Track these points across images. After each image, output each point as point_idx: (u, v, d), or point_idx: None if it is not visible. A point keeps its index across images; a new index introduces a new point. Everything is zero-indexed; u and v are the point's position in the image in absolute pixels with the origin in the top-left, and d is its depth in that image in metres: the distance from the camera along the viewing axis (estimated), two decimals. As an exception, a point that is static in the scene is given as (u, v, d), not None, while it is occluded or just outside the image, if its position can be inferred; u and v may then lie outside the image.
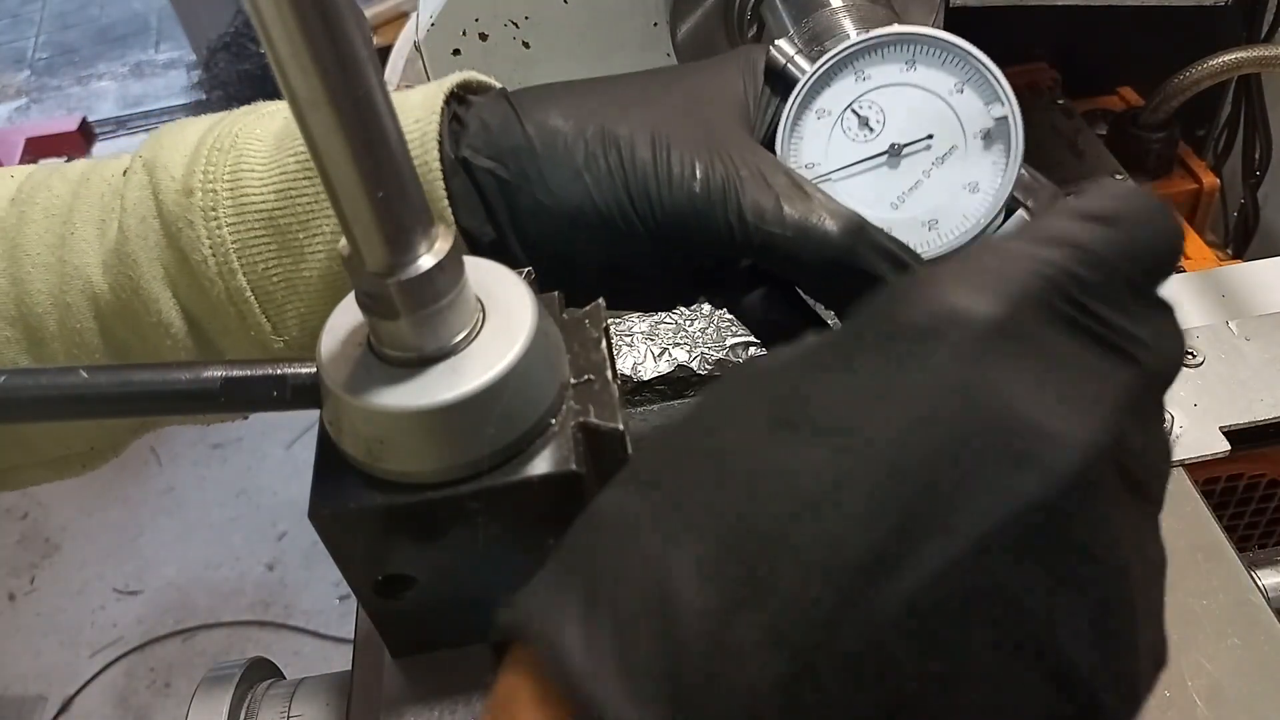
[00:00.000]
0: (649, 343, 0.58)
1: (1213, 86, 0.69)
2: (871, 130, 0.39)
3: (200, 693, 0.48)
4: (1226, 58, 0.66)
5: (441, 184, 0.40)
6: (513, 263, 0.41)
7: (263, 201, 0.40)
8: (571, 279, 0.42)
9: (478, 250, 0.42)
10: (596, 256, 0.41)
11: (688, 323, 0.60)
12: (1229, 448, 0.48)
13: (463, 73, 0.44)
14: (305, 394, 0.35)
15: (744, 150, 0.39)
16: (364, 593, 0.39)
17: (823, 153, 0.40)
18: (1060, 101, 0.79)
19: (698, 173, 0.39)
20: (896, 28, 0.40)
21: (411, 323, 0.32)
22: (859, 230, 0.37)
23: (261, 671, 0.50)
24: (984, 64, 0.39)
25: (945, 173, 0.38)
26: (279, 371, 0.35)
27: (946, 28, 0.61)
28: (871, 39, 0.40)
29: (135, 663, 1.71)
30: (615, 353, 0.38)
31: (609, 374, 0.37)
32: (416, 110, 0.40)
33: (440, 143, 0.40)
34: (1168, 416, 0.49)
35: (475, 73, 0.44)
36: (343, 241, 0.31)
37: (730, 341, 0.59)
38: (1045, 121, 0.75)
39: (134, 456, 2.01)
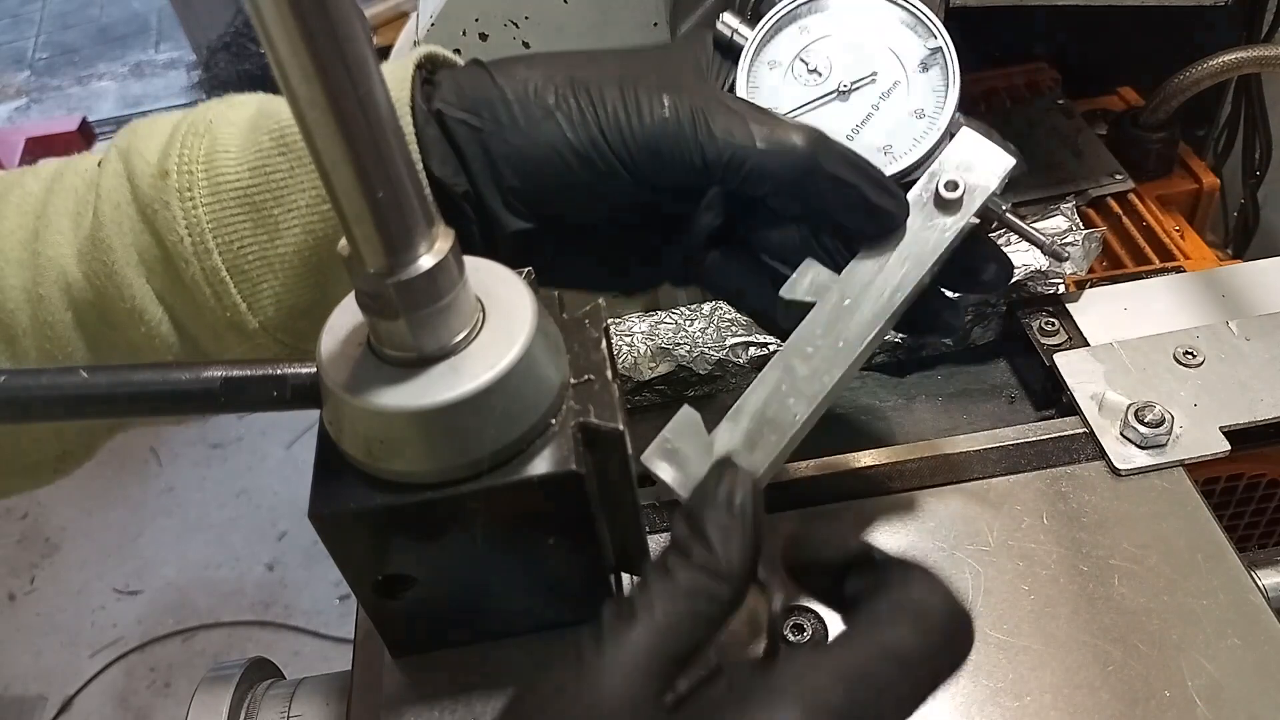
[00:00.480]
0: (649, 343, 0.58)
1: (1213, 86, 0.69)
2: (820, 75, 0.43)
3: (200, 693, 0.48)
4: (1226, 58, 0.66)
5: (413, 134, 0.41)
6: (488, 217, 0.41)
7: (238, 180, 0.41)
8: (545, 237, 0.43)
9: (451, 203, 0.42)
10: (572, 203, 0.42)
11: (688, 323, 0.60)
12: (1229, 448, 0.48)
13: (430, 46, 0.45)
14: (305, 394, 0.35)
15: (706, 88, 0.42)
16: (364, 593, 0.39)
17: (777, 98, 0.43)
18: (1060, 101, 0.79)
19: (665, 103, 0.40)
20: None
21: (411, 323, 0.32)
22: (820, 140, 0.40)
23: (261, 671, 0.50)
24: (913, 5, 0.43)
25: (892, 104, 0.42)
26: (279, 371, 0.35)
27: (947, 28, 0.61)
28: None
29: (135, 663, 1.71)
30: (615, 353, 0.38)
31: (609, 374, 0.37)
32: (388, 72, 0.41)
33: (413, 98, 0.41)
34: (1168, 416, 0.49)
35: (443, 49, 0.45)
36: (343, 241, 0.31)
37: (730, 341, 0.59)
38: (1045, 121, 0.75)
39: (134, 456, 2.01)
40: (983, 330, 0.59)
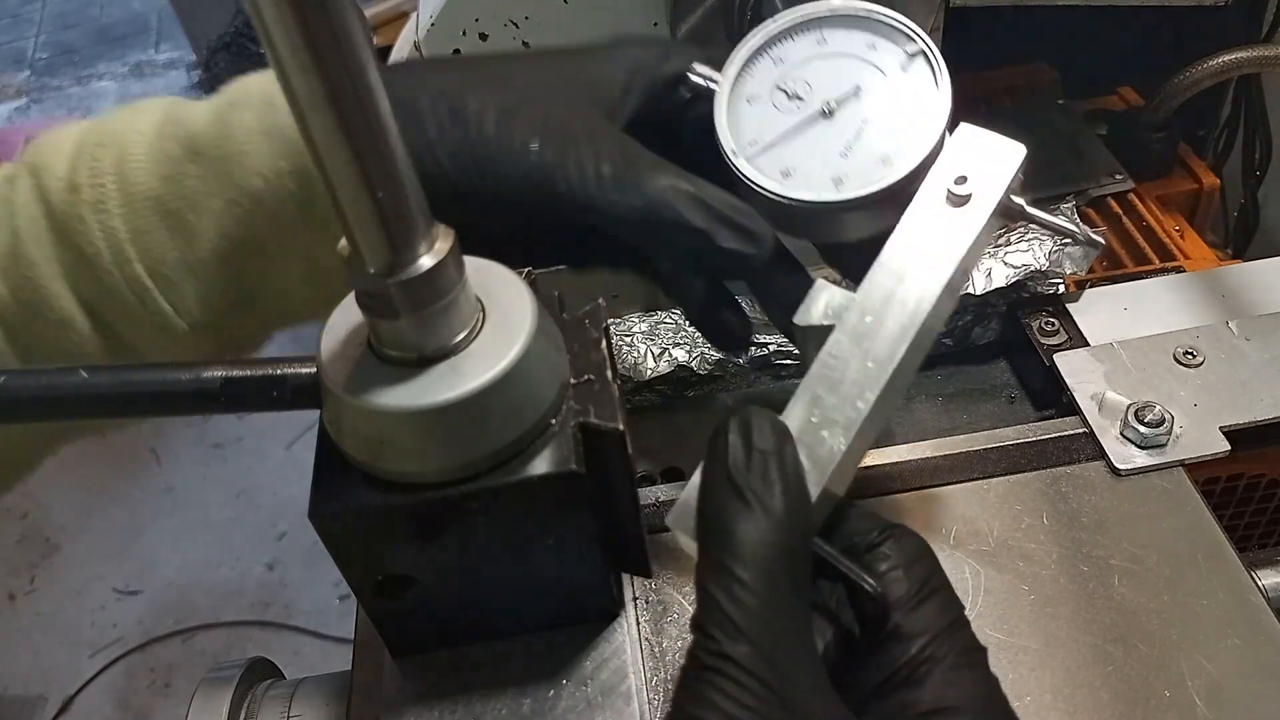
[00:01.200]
0: (649, 343, 0.58)
1: (1213, 86, 0.69)
2: (801, 99, 0.42)
3: (200, 693, 0.48)
4: (1227, 58, 0.66)
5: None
6: None
7: (149, 188, 0.41)
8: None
9: None
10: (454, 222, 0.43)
11: (688, 323, 0.60)
12: (1229, 448, 0.48)
13: None
14: (305, 394, 0.35)
15: (588, 124, 0.42)
16: (364, 593, 0.39)
17: (760, 131, 0.42)
18: (1060, 101, 0.79)
19: (535, 145, 0.41)
20: (795, 13, 0.43)
21: (411, 323, 0.32)
22: (672, 188, 0.41)
23: (261, 671, 0.50)
24: (886, 16, 0.42)
25: (883, 116, 0.41)
26: (279, 372, 0.35)
27: (947, 28, 0.61)
28: (777, 30, 0.43)
29: (135, 663, 1.71)
30: (615, 353, 0.38)
31: (609, 374, 0.37)
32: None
33: None
34: (1168, 416, 0.49)
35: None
36: (343, 242, 0.31)
37: (730, 341, 0.59)
38: (1045, 122, 0.75)
39: (134, 456, 2.01)
40: (983, 330, 0.59)
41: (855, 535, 0.35)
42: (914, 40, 0.41)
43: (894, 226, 0.40)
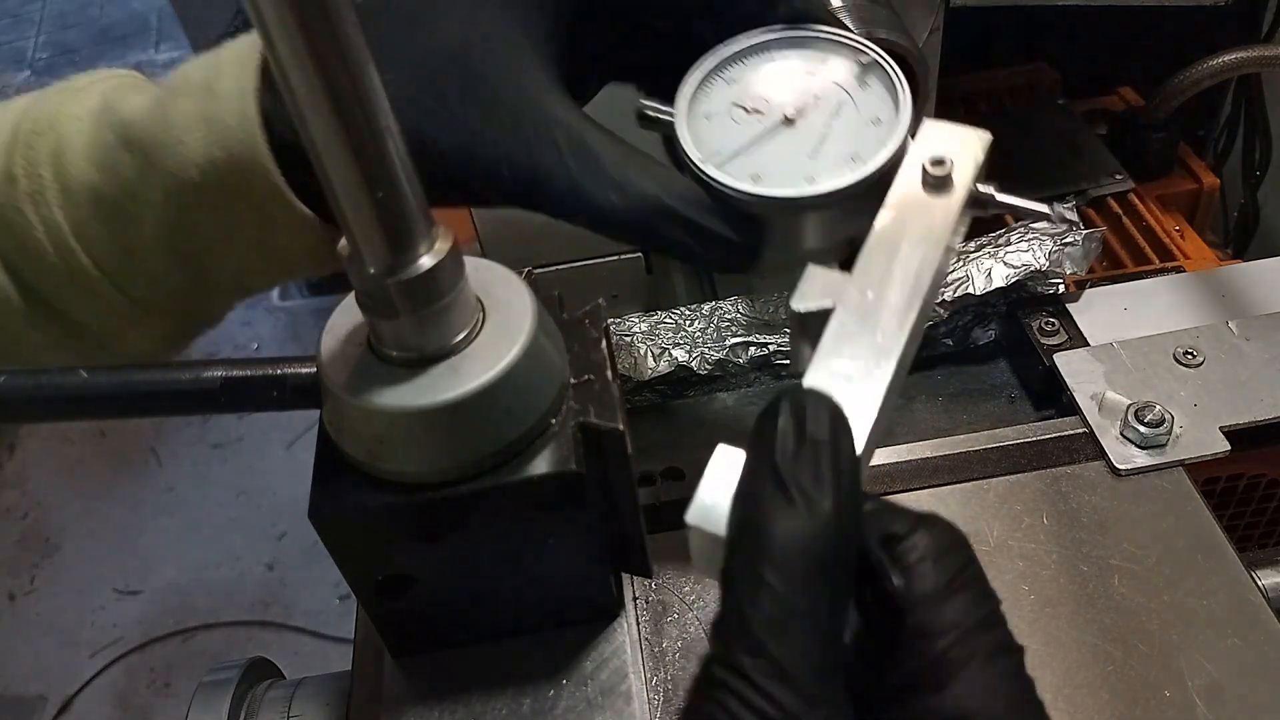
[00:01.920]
0: (649, 343, 0.58)
1: (1213, 86, 0.69)
2: (761, 113, 0.42)
3: (200, 693, 0.48)
4: (1227, 58, 0.66)
5: (261, 137, 0.38)
6: None
7: (87, 179, 0.40)
8: None
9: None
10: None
11: (687, 323, 0.60)
12: (1229, 448, 0.48)
13: None
14: (305, 394, 0.35)
15: (552, 114, 0.40)
16: (364, 593, 0.39)
17: (723, 141, 0.42)
18: (1060, 101, 0.79)
19: (504, 164, 0.39)
20: (745, 38, 0.43)
21: (411, 322, 0.32)
22: (652, 218, 0.39)
23: (261, 671, 0.50)
24: (834, 34, 0.43)
25: (846, 120, 0.42)
26: (279, 371, 0.35)
27: (946, 27, 0.61)
28: (728, 54, 0.43)
29: (135, 663, 1.71)
30: (615, 353, 0.38)
31: (609, 374, 0.37)
32: (230, 66, 0.39)
33: (260, 96, 0.39)
34: (1168, 416, 0.49)
35: None
36: (342, 241, 0.31)
37: (730, 341, 0.59)
38: (1045, 121, 0.75)
39: (134, 456, 2.00)
40: (983, 330, 0.59)
41: (883, 527, 0.31)
42: (865, 52, 0.42)
43: (867, 231, 0.39)
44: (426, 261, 0.31)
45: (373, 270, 0.31)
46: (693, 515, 0.31)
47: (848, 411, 0.30)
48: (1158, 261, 0.65)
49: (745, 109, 0.42)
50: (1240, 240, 0.82)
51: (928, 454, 0.50)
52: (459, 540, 0.36)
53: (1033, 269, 0.56)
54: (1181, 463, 0.48)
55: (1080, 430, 0.50)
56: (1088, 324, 0.56)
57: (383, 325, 0.33)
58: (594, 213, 0.39)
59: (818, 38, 0.43)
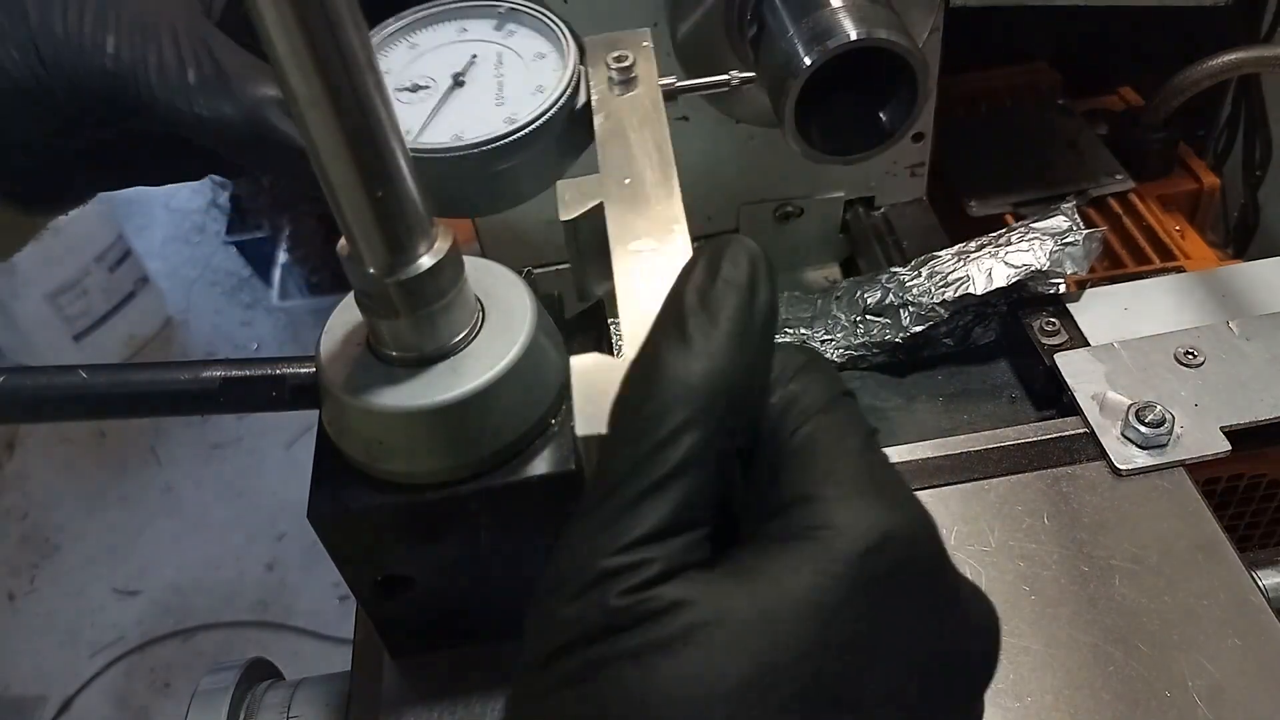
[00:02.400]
0: (649, 343, 0.58)
1: (1213, 87, 0.69)
2: (426, 88, 0.42)
3: (199, 693, 0.47)
4: (1227, 58, 0.66)
5: None
6: None
7: None
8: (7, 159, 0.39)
9: None
10: (25, 132, 0.39)
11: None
12: (1230, 448, 0.48)
13: None
14: (304, 394, 0.35)
15: (173, 17, 0.38)
16: (363, 593, 0.38)
17: (406, 123, 0.40)
18: (1060, 101, 0.79)
19: (109, 46, 0.37)
20: (379, 31, 0.44)
21: (411, 322, 0.32)
22: (261, 120, 0.37)
23: (261, 672, 0.50)
24: (462, 4, 0.45)
25: (510, 67, 0.43)
26: (278, 372, 0.35)
27: (947, 27, 0.61)
28: (405, 22, 0.44)
29: (135, 663, 1.71)
30: (615, 353, 0.38)
31: (609, 374, 0.37)
32: None
33: None
34: (1168, 417, 0.48)
35: None
36: (342, 241, 0.31)
37: (730, 341, 0.59)
38: (1046, 121, 0.75)
39: (134, 457, 2.00)
40: (983, 330, 0.59)
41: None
42: (496, 7, 0.44)
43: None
44: (426, 261, 0.31)
45: (372, 270, 0.31)
46: (582, 426, 0.29)
47: (669, 273, 0.28)
48: (1158, 261, 0.65)
49: (410, 89, 0.43)
50: (1240, 240, 0.82)
51: (928, 454, 0.50)
52: (458, 541, 0.36)
53: (1033, 269, 0.56)
54: (1182, 463, 0.48)
55: (1081, 430, 0.50)
56: (1088, 324, 0.56)
57: (382, 325, 0.33)
58: (194, 121, 0.37)
59: (451, 9, 0.44)
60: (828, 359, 0.59)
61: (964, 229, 0.68)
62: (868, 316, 0.59)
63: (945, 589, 0.25)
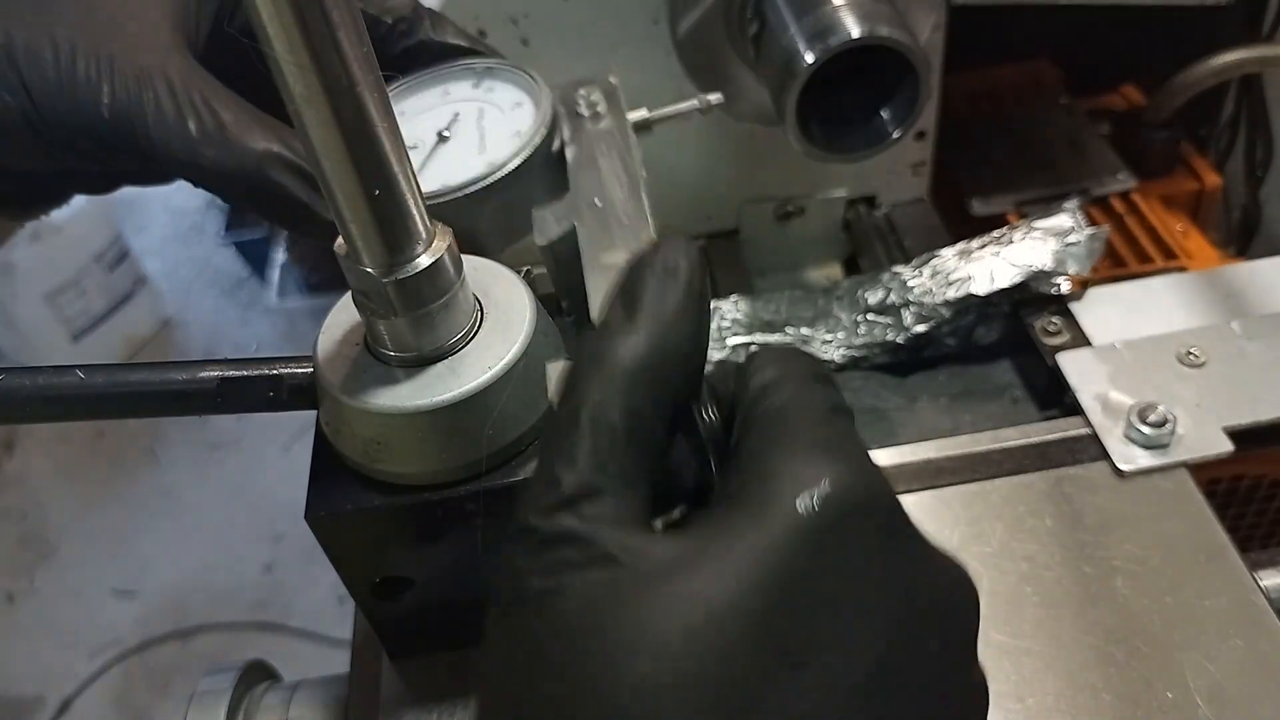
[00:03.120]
0: (649, 343, 0.58)
1: (1215, 86, 0.69)
2: (415, 147, 0.45)
3: (198, 695, 0.47)
4: (1229, 57, 0.66)
5: None
6: None
7: None
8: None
9: None
10: (13, 162, 0.39)
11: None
12: (1232, 448, 0.48)
13: None
14: (302, 394, 0.35)
15: (167, 65, 0.38)
16: (361, 595, 0.38)
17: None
18: (1063, 100, 0.78)
19: (104, 95, 0.37)
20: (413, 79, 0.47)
21: (409, 322, 0.32)
22: (262, 174, 0.38)
23: (259, 674, 0.50)
24: (443, 71, 0.47)
25: (491, 120, 0.46)
26: (275, 371, 0.35)
27: (949, 25, 0.61)
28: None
29: (133, 664, 1.70)
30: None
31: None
32: None
33: None
34: (1171, 417, 0.48)
35: None
36: (339, 240, 0.31)
37: (731, 341, 0.59)
38: (1048, 120, 0.75)
39: (132, 457, 2.00)
40: (986, 330, 0.59)
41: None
42: (473, 67, 0.47)
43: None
44: (424, 260, 0.31)
45: (369, 269, 0.31)
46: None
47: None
48: (1161, 261, 0.64)
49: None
50: (1243, 239, 0.82)
51: (931, 455, 0.50)
52: (457, 541, 0.36)
53: (1036, 268, 0.56)
54: (1185, 463, 0.48)
55: (1083, 431, 0.50)
56: (1091, 324, 0.56)
57: (380, 325, 0.32)
58: (197, 170, 0.37)
59: (430, 75, 0.47)
60: (827, 359, 0.59)
61: (966, 228, 0.68)
62: (869, 316, 0.59)
63: (905, 542, 0.25)
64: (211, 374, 0.34)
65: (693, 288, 0.27)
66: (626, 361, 0.25)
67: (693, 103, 0.49)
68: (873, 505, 0.24)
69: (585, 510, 0.24)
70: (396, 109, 0.46)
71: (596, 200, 0.41)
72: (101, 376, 0.34)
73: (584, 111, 0.46)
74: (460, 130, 0.45)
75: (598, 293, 0.36)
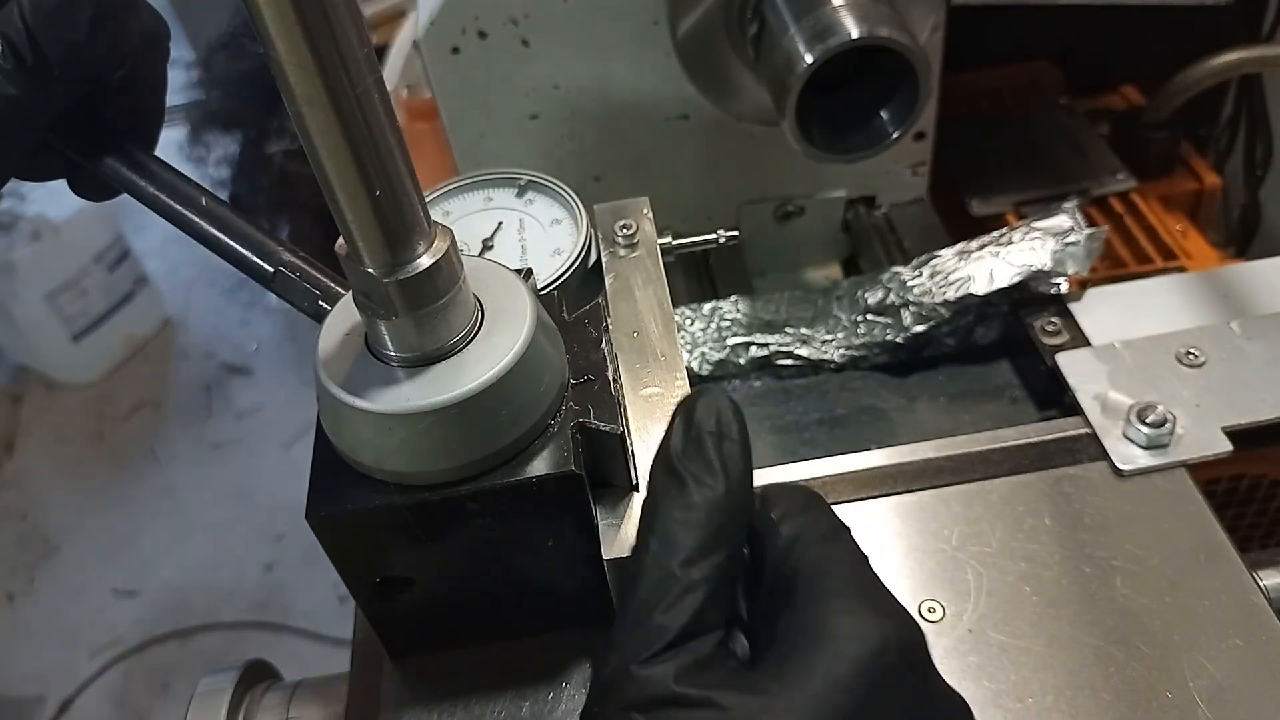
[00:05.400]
0: (649, 343, 0.58)
1: (1215, 86, 0.69)
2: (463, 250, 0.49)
3: (198, 694, 0.47)
4: (1228, 57, 0.66)
5: None
6: None
7: None
8: None
9: None
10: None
11: (688, 323, 0.60)
12: (1231, 448, 0.48)
13: None
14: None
15: None
16: (362, 594, 0.38)
17: None
18: (1062, 100, 0.78)
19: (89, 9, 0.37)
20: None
21: (410, 322, 0.32)
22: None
23: (259, 673, 0.50)
24: (490, 175, 0.52)
25: (531, 232, 0.50)
26: (322, 282, 0.38)
27: (948, 26, 0.61)
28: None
29: (134, 664, 1.71)
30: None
31: (609, 374, 0.37)
32: None
33: None
34: (1170, 417, 0.48)
35: None
36: (340, 241, 0.31)
37: (731, 341, 0.59)
38: (1047, 120, 0.75)
39: (133, 457, 2.00)
40: (985, 330, 0.59)
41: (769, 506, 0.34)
42: (517, 179, 0.51)
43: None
44: (424, 261, 0.31)
45: (370, 269, 0.31)
46: (608, 551, 0.37)
47: (666, 416, 0.34)
48: (1160, 261, 0.65)
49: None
50: (1242, 240, 0.82)
51: (930, 455, 0.50)
52: (457, 541, 0.36)
53: (1035, 269, 0.56)
54: (1184, 463, 0.48)
55: (1083, 431, 0.50)
56: (1090, 324, 0.56)
57: (380, 325, 0.33)
58: None
59: (475, 179, 0.51)
60: (827, 358, 0.59)
61: (965, 228, 0.68)
62: (869, 316, 0.59)
63: (931, 679, 0.30)
64: (282, 257, 0.38)
65: (747, 448, 0.32)
66: (713, 516, 0.30)
67: (711, 235, 0.55)
68: (916, 654, 0.30)
69: (683, 659, 0.29)
70: (441, 209, 0.51)
71: (634, 332, 0.45)
72: (216, 208, 0.39)
73: (620, 239, 0.50)
74: (502, 240, 0.49)
75: (639, 420, 0.41)
